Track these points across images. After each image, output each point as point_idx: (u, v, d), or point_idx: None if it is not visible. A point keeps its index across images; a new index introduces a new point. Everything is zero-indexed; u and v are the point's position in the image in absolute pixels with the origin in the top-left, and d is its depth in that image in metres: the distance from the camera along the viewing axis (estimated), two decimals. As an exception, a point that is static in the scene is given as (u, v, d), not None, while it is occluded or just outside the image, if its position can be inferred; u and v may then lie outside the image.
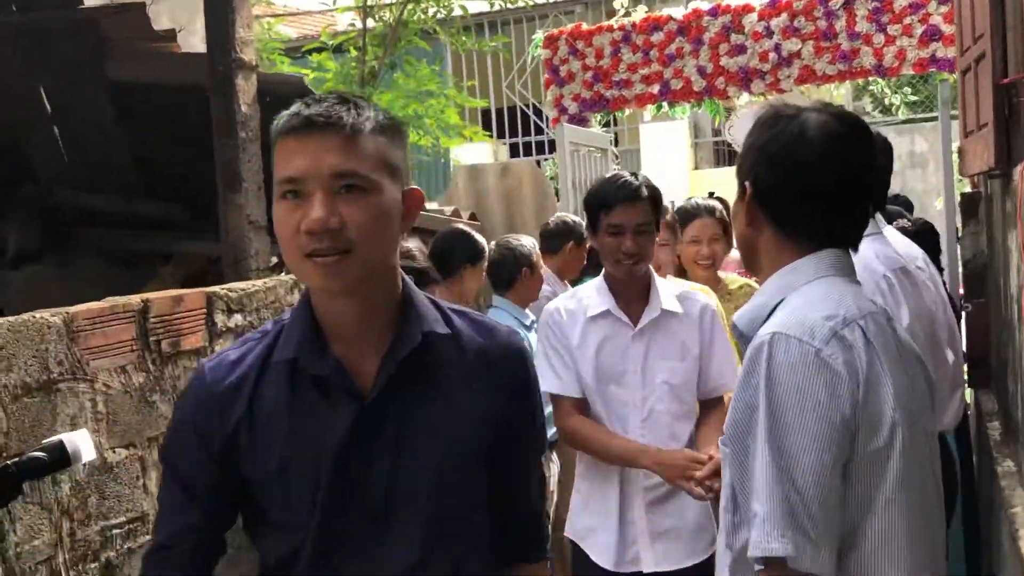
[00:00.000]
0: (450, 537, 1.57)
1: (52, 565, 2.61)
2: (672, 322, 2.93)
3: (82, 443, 2.05)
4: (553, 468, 4.27)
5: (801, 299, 1.67)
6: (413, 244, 4.85)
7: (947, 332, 3.14)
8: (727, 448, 1.66)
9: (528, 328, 4.18)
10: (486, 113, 12.70)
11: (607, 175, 3.04)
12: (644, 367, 2.90)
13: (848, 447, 1.57)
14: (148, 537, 2.81)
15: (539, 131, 12.59)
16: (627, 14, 7.51)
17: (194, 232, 4.98)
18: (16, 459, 1.95)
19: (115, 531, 2.84)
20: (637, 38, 7.02)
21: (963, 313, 4.58)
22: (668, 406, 2.89)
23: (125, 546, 2.85)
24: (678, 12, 7.02)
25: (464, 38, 10.07)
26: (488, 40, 10.70)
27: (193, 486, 1.59)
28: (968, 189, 6.21)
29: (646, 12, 7.44)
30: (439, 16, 9.62)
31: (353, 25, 10.04)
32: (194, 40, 5.77)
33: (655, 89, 7.04)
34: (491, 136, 11.83)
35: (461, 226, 4.45)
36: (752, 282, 3.61)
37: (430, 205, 6.55)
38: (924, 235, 4.46)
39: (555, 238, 4.80)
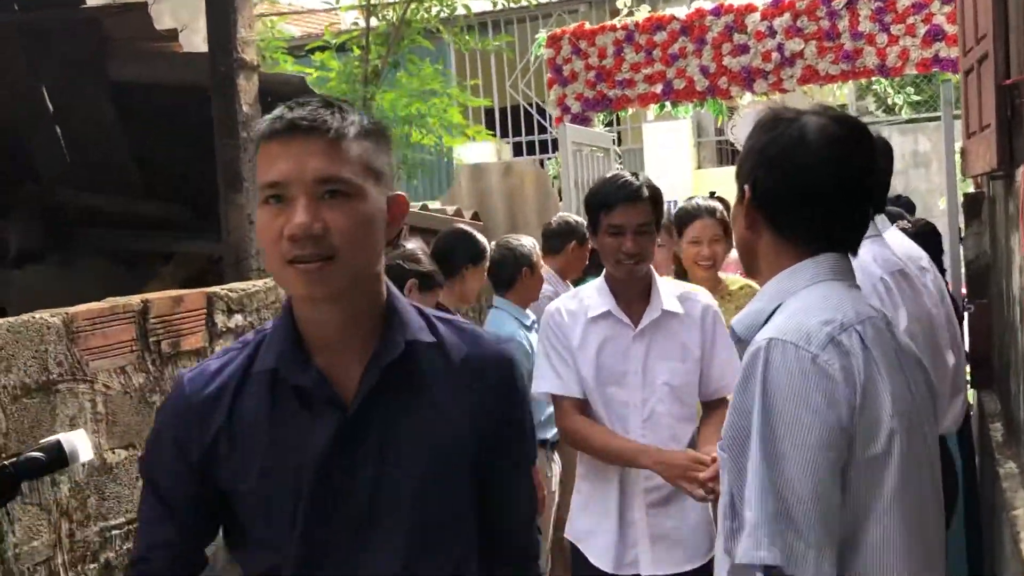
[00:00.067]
0: (434, 546, 1.54)
1: (51, 566, 2.61)
2: (673, 323, 2.92)
3: (80, 443, 2.05)
4: (555, 468, 4.27)
5: (799, 304, 1.66)
6: (415, 244, 4.85)
7: (948, 335, 3.14)
8: (725, 454, 1.65)
9: (529, 328, 4.17)
10: (489, 112, 12.69)
11: (608, 175, 3.03)
12: (645, 368, 2.89)
13: (846, 452, 1.56)
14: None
15: (543, 130, 12.58)
16: (630, 13, 7.51)
17: (195, 232, 4.98)
18: (13, 459, 1.94)
19: (114, 532, 2.84)
20: (640, 37, 7.03)
21: (965, 314, 4.57)
22: (669, 407, 2.88)
23: (124, 547, 2.85)
24: (681, 12, 7.02)
25: (467, 37, 10.06)
26: (491, 39, 10.68)
27: (171, 498, 1.56)
28: (972, 189, 6.19)
29: (649, 12, 7.44)
30: (442, 15, 9.61)
31: (356, 24, 10.04)
32: (197, 39, 5.76)
33: (658, 89, 7.05)
34: (494, 135, 11.82)
35: (463, 226, 4.44)
36: (753, 283, 3.60)
37: (433, 204, 6.56)
38: (925, 236, 4.45)
39: (557, 238, 4.80)
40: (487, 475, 1.60)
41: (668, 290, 2.97)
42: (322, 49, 9.61)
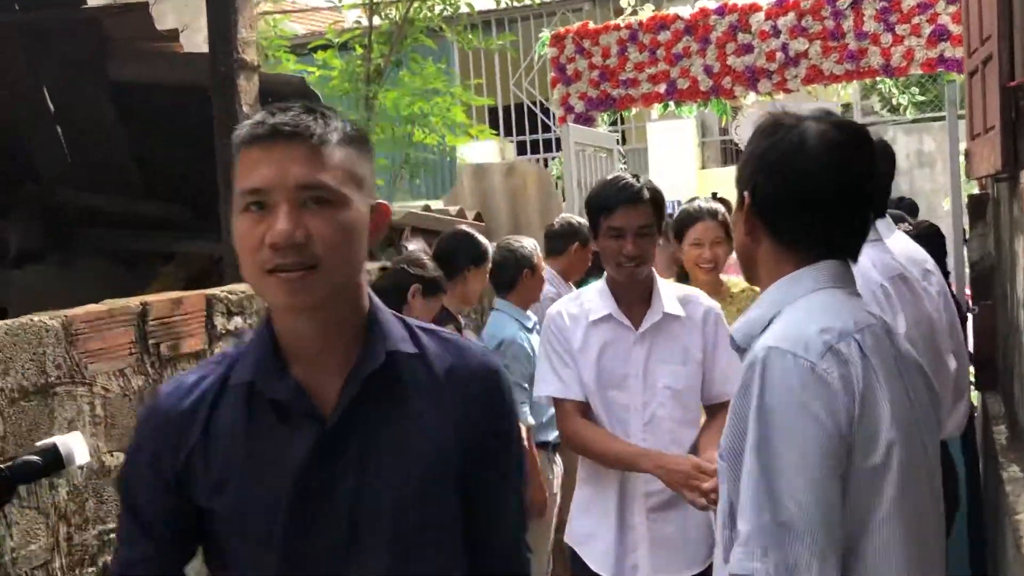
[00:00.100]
0: (417, 560, 1.51)
1: (49, 570, 2.60)
2: (674, 326, 2.90)
3: (76, 446, 2.03)
4: (556, 470, 4.26)
5: (797, 312, 1.65)
6: (417, 246, 4.84)
7: (950, 339, 3.12)
8: (723, 463, 1.64)
9: (530, 330, 4.16)
10: (493, 111, 12.68)
11: (608, 177, 3.01)
12: (646, 371, 2.87)
13: (845, 460, 1.55)
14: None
15: (547, 129, 12.56)
16: (634, 13, 7.49)
17: (195, 232, 4.98)
18: (9, 463, 1.93)
19: (113, 535, 2.82)
20: (644, 37, 7.00)
21: (969, 316, 4.56)
22: (670, 411, 2.86)
23: (122, 551, 2.84)
24: (685, 11, 7.00)
25: (470, 36, 10.06)
26: (495, 38, 10.66)
27: (148, 516, 1.53)
28: (976, 189, 6.17)
29: (653, 11, 7.42)
30: (445, 14, 9.61)
31: (359, 23, 10.03)
32: (199, 38, 5.75)
33: (662, 88, 7.03)
34: (497, 134, 11.81)
35: (464, 227, 4.43)
36: (755, 286, 3.58)
37: (435, 204, 6.54)
38: (928, 238, 4.42)
39: (560, 239, 4.78)
40: (473, 489, 1.56)
41: (669, 293, 2.95)
42: (325, 48, 9.60)
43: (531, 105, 12.71)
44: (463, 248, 4.07)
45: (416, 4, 9.15)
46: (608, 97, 7.17)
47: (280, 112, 1.46)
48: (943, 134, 8.62)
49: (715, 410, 2.93)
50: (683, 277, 3.79)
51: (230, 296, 3.40)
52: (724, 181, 9.43)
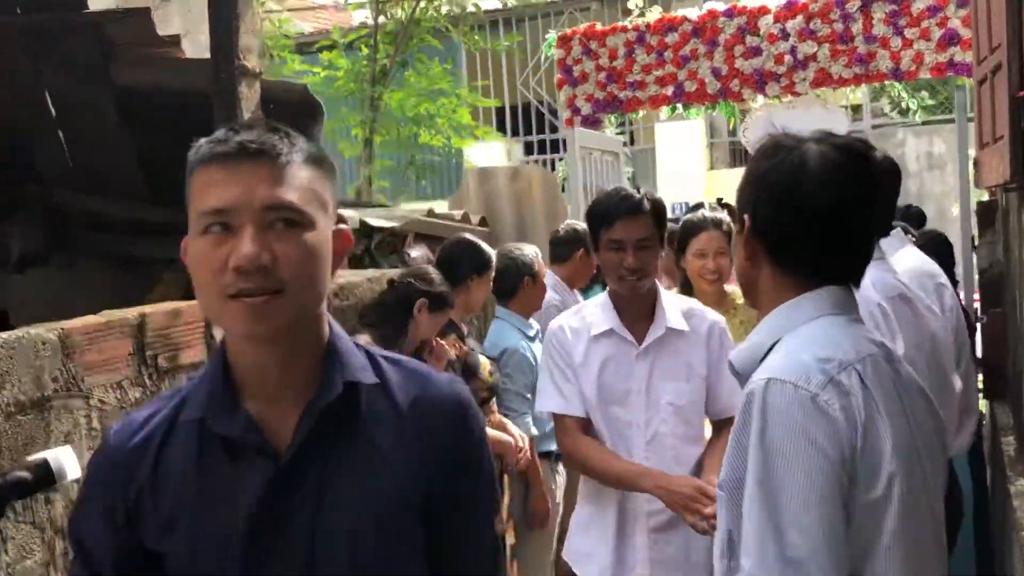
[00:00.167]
0: None
1: (44, 585, 2.58)
2: (678, 341, 2.86)
3: (67, 461, 2.01)
4: (559, 480, 4.23)
5: (797, 341, 1.61)
6: (420, 252, 4.82)
7: (957, 358, 3.07)
8: (723, 493, 1.61)
9: (531, 339, 4.13)
10: (500, 111, 12.65)
11: (609, 189, 2.98)
12: (648, 387, 2.83)
13: (847, 489, 1.52)
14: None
15: (554, 129, 12.52)
16: (641, 14, 7.45)
17: (198, 237, 4.93)
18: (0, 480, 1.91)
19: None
20: (651, 39, 6.96)
21: (978, 324, 4.52)
22: (673, 428, 2.82)
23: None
24: (693, 13, 6.95)
25: (477, 36, 10.03)
26: (502, 38, 10.63)
27: (98, 562, 1.45)
28: (985, 195, 6.12)
29: (661, 12, 7.37)
30: (452, 14, 9.58)
31: (365, 23, 10.01)
32: (203, 39, 5.74)
33: (669, 91, 6.98)
34: (504, 135, 11.78)
35: (468, 235, 4.39)
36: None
37: (440, 208, 6.51)
38: (935, 248, 4.36)
39: (565, 246, 4.75)
40: (440, 527, 1.48)
41: (673, 306, 2.91)
42: (330, 48, 9.58)
43: (538, 105, 12.68)
44: (466, 256, 4.03)
45: (422, 4, 9.12)
46: (615, 99, 7.12)
47: (244, 129, 1.40)
48: (954, 136, 8.56)
49: (721, 426, 2.88)
50: (687, 287, 3.75)
51: (230, 306, 3.37)
52: (732, 182, 9.35)
